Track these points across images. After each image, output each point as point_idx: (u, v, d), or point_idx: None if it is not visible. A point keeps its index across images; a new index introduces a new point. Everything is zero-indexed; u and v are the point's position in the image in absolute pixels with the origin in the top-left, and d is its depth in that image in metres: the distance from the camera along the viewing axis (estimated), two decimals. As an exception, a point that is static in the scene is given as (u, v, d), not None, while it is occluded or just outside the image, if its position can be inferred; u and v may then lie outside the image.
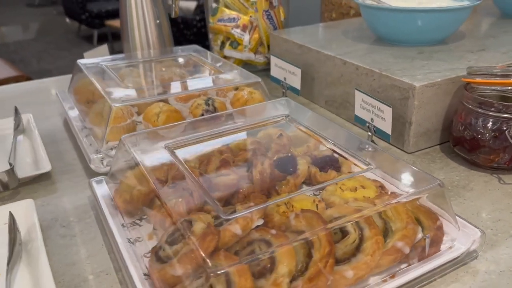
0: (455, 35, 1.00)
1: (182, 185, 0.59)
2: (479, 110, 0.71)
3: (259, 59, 1.19)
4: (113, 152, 0.80)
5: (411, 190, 0.53)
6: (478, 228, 0.55)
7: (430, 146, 0.81)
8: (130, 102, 0.82)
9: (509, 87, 0.71)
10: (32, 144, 0.86)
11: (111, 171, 0.69)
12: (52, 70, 4.99)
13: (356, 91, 0.82)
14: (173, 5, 1.09)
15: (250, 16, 1.17)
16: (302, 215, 0.53)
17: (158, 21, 1.12)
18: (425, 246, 0.52)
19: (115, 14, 5.84)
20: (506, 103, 0.69)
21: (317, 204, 0.59)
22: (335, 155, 0.72)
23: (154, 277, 0.49)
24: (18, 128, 0.89)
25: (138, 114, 0.92)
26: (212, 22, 1.22)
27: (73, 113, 0.94)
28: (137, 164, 0.65)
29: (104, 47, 1.17)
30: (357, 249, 0.50)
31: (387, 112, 0.75)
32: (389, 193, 0.60)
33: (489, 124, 0.70)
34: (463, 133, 0.73)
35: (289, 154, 0.69)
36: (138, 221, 0.63)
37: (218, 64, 1.02)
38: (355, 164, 0.67)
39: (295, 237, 0.49)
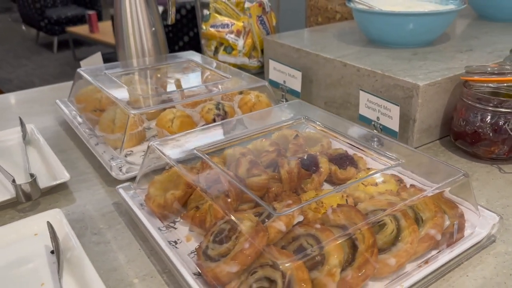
0: (441, 36, 1.07)
1: (218, 187, 0.61)
2: (479, 105, 0.77)
3: (253, 63, 1.22)
4: (131, 159, 0.81)
5: (441, 183, 0.57)
6: (496, 213, 0.60)
7: (432, 141, 0.87)
8: (147, 110, 0.83)
9: (504, 84, 0.77)
10: (42, 154, 0.85)
11: (139, 177, 0.70)
12: (13, 79, 4.82)
13: (361, 92, 0.87)
14: (170, 12, 1.11)
15: (243, 22, 1.20)
16: (339, 210, 0.56)
17: (153, 29, 1.13)
18: (453, 232, 0.57)
19: (76, 20, 5.72)
20: (502, 99, 0.75)
21: (346, 199, 0.62)
22: (350, 152, 0.76)
23: (208, 275, 0.51)
24: (26, 138, 0.88)
25: (148, 120, 0.93)
26: (205, 28, 1.24)
27: (77, 122, 0.94)
28: (169, 168, 0.67)
29: (98, 55, 1.17)
30: (396, 238, 0.54)
31: (395, 110, 0.80)
32: (408, 186, 0.65)
33: (488, 118, 0.76)
34: (465, 128, 0.79)
35: (311, 154, 0.72)
36: (172, 224, 0.64)
37: (219, 69, 1.04)
38: (374, 160, 0.71)
39: (339, 230, 0.53)
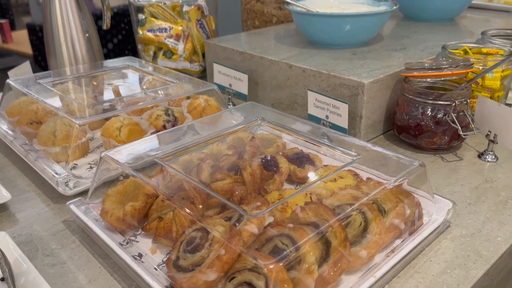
0: (375, 37, 1.12)
1: (181, 194, 0.59)
2: (419, 99, 0.81)
3: (195, 67, 1.20)
4: (76, 172, 0.76)
5: (399, 174, 0.59)
6: (449, 199, 0.64)
7: (377, 136, 0.91)
8: (93, 119, 0.79)
9: (441, 78, 0.82)
10: (-27, 174, 0.77)
11: (91, 191, 0.66)
12: None
13: (309, 92, 0.89)
14: (105, 17, 1.06)
15: (181, 26, 1.18)
16: (308, 208, 0.57)
17: (87, 35, 1.07)
18: (414, 221, 0.60)
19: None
20: (441, 92, 0.80)
21: (310, 197, 0.63)
22: (305, 151, 0.77)
23: (183, 287, 0.49)
24: (-48, 158, 0.79)
25: (91, 130, 0.89)
26: (141, 32, 1.20)
27: (10, 136, 0.86)
28: (123, 179, 0.63)
29: (27, 65, 1.09)
30: (365, 231, 0.55)
31: (343, 108, 0.82)
32: (364, 179, 0.67)
33: (429, 111, 0.81)
34: (408, 121, 0.83)
35: (269, 155, 0.72)
36: (133, 238, 0.61)
37: (162, 74, 1.01)
38: (331, 156, 0.73)
39: (310, 228, 0.53)
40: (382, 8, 1.05)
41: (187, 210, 0.54)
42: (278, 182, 0.68)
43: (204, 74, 1.22)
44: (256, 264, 0.47)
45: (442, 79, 0.82)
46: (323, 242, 0.53)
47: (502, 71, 0.87)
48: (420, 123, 0.82)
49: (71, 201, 0.66)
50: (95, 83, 1.00)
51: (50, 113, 0.86)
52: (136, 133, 0.81)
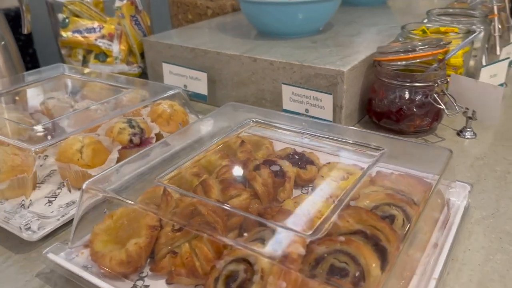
0: (325, 24, 1.09)
1: (197, 220, 0.49)
2: (397, 83, 0.79)
3: (133, 70, 1.07)
4: (34, 209, 0.61)
5: (434, 169, 0.55)
6: (466, 183, 0.62)
7: (353, 125, 0.87)
8: (51, 142, 0.64)
9: (416, 60, 0.81)
10: None
11: (73, 231, 0.53)
12: None
13: (284, 85, 0.82)
14: (24, 20, 0.88)
15: (113, 24, 1.04)
16: (346, 214, 0.51)
17: (3, 43, 0.89)
18: (445, 210, 0.57)
19: None
20: (417, 73, 0.79)
21: (333, 201, 0.57)
22: (298, 150, 0.71)
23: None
24: None
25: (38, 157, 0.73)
26: (65, 35, 1.03)
27: None
28: (112, 212, 0.52)
29: None
30: (409, 229, 0.51)
31: (327, 100, 0.78)
32: (373, 174, 0.63)
33: (411, 94, 0.79)
34: (388, 107, 0.81)
35: (269, 160, 0.64)
36: (141, 282, 0.50)
37: (105, 79, 0.88)
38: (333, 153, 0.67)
39: (361, 237, 0.47)
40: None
41: (225, 239, 0.45)
42: (288, 189, 0.61)
43: (143, 77, 1.09)
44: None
45: (418, 60, 0.81)
46: (378, 250, 0.48)
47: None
48: (401, 108, 0.80)
49: (48, 249, 0.52)
50: (25, 98, 0.83)
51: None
52: (100, 153, 0.68)
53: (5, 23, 0.90)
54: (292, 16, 0.96)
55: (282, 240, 0.46)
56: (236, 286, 0.43)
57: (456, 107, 0.78)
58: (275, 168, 0.62)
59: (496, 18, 1.14)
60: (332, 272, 0.44)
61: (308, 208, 0.55)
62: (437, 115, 0.81)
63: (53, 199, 0.66)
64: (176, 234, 0.51)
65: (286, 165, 0.64)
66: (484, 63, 1.08)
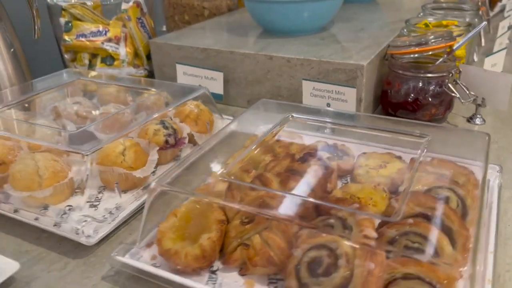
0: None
1: (275, 211, 0.51)
2: (412, 75, 0.83)
3: (140, 72, 1.07)
4: (78, 214, 0.61)
5: (481, 155, 0.59)
6: (496, 164, 0.66)
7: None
8: (99, 147, 0.63)
9: (428, 53, 0.85)
10: None
11: (141, 232, 0.53)
12: None
13: (304, 81, 0.85)
14: (35, 26, 0.86)
15: (119, 27, 1.03)
16: (409, 200, 0.54)
17: (12, 50, 0.87)
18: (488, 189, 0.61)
19: None
20: (430, 65, 0.84)
21: (383, 188, 0.60)
22: (329, 142, 0.74)
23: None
24: None
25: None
26: (69, 39, 1.01)
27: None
28: (175, 209, 0.53)
29: None
30: (464, 209, 0.55)
31: (350, 93, 0.81)
32: (405, 160, 0.67)
33: (424, 85, 0.83)
34: (405, 97, 0.85)
35: (309, 153, 0.67)
36: (214, 276, 0.51)
37: (125, 82, 0.87)
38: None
39: (425, 219, 0.50)
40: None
41: (310, 226, 0.47)
42: (334, 179, 0.63)
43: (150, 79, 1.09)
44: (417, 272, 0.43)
45: (431, 53, 0.85)
46: (444, 230, 0.51)
47: (466, 40, 0.94)
48: (417, 98, 0.84)
49: (115, 251, 0.52)
50: (56, 106, 0.81)
51: (12, 148, 0.67)
52: (141, 154, 0.68)
53: (13, 30, 0.87)
54: (298, 14, 0.98)
55: (357, 225, 0.48)
56: (322, 271, 0.45)
57: (469, 95, 0.83)
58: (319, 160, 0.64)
59: (483, 11, 1.21)
60: (409, 252, 0.47)
61: (360, 196, 0.58)
62: (449, 104, 0.86)
63: (97, 203, 0.65)
64: (246, 227, 0.52)
65: (327, 157, 0.66)
66: (475, 54, 1.15)
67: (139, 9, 1.04)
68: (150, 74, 1.09)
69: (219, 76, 0.92)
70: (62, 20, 1.02)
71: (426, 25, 0.98)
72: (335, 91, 0.82)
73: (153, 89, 0.85)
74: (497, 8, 1.49)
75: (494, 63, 0.94)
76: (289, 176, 0.57)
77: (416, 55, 0.85)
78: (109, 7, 1.09)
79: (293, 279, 0.47)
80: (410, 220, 0.49)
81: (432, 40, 0.84)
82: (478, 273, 0.45)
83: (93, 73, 0.94)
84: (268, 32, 1.05)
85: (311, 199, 0.52)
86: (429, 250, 0.46)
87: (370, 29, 1.04)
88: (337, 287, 0.44)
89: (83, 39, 1.01)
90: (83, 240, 0.56)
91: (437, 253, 0.47)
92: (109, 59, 1.02)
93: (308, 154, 0.66)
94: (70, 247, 0.58)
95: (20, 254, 0.58)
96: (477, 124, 0.86)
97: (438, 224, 0.49)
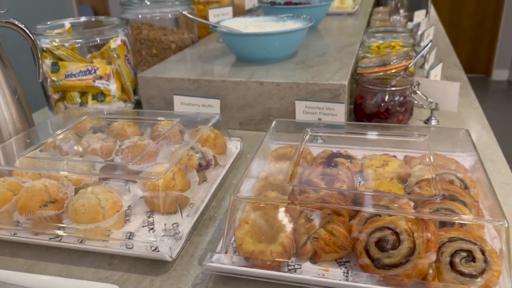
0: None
1: (326, 212, 0.63)
2: (380, 89, 1.01)
3: (128, 106, 1.12)
4: (141, 238, 0.67)
5: (464, 148, 0.76)
6: (469, 152, 0.85)
7: (348, 127, 1.07)
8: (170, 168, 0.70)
9: (392, 71, 1.03)
10: None
11: (224, 242, 0.61)
12: None
13: (297, 101, 0.98)
14: (39, 68, 0.89)
15: (109, 64, 1.08)
16: (424, 185, 0.69)
17: (16, 96, 0.89)
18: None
19: None
20: (394, 80, 1.02)
21: (397, 181, 0.75)
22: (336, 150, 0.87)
23: (410, 276, 0.55)
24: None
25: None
26: (58, 79, 1.04)
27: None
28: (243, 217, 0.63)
29: None
30: (467, 189, 0.71)
31: (340, 108, 0.95)
32: (402, 158, 0.83)
33: (392, 97, 1.01)
34: (378, 108, 1.02)
35: (330, 158, 0.80)
36: (292, 267, 0.61)
37: (133, 115, 0.93)
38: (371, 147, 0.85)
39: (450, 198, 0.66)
40: (303, 23, 1.21)
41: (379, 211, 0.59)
42: (355, 178, 0.77)
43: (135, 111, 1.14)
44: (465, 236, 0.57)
45: (394, 70, 1.03)
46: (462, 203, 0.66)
47: (411, 58, 1.14)
48: (387, 107, 1.02)
49: (207, 259, 0.60)
50: (95, 140, 0.85)
51: (60, 186, 0.71)
52: (185, 178, 0.76)
53: (16, 76, 0.89)
54: (272, 44, 1.12)
55: (401, 208, 0.62)
56: (390, 246, 0.58)
57: (427, 102, 1.02)
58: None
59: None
60: (444, 223, 0.62)
61: (381, 189, 0.72)
62: (412, 110, 1.05)
63: (152, 226, 0.72)
64: (312, 223, 0.63)
65: (342, 161, 0.80)
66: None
67: (125, 47, 1.10)
68: (137, 107, 1.15)
69: (216, 103, 1.01)
70: (48, 62, 1.04)
71: (378, 47, 1.18)
72: (326, 107, 0.96)
73: (164, 119, 0.92)
74: (409, 27, 1.77)
75: (435, 74, 1.16)
76: (331, 178, 0.69)
77: (381, 73, 1.03)
78: (81, 48, 1.13)
79: (365, 257, 0.59)
80: (438, 199, 0.64)
81: (394, 60, 1.02)
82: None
83: (98, 110, 0.98)
84: (242, 60, 1.17)
85: (368, 192, 0.65)
86: (459, 218, 0.61)
87: (331, 54, 1.21)
88: (406, 255, 0.57)
89: (73, 78, 1.04)
90: (167, 257, 0.63)
91: (463, 220, 0.62)
92: (100, 95, 1.06)
93: (331, 161, 0.79)
94: (147, 267, 0.64)
95: (102, 281, 0.63)
96: (434, 125, 1.06)
97: (457, 200, 0.65)
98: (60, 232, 0.67)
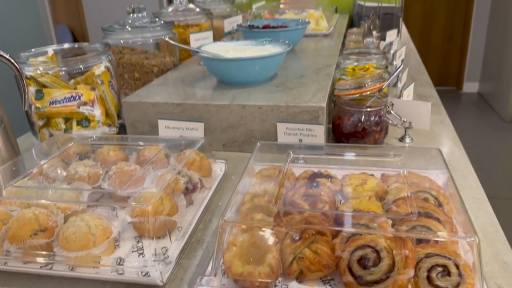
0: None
1: (309, 231, 0.66)
2: (357, 109, 1.06)
3: (113, 130, 1.13)
4: (131, 263, 0.69)
5: (442, 166, 0.81)
6: (441, 169, 0.90)
7: (327, 146, 1.11)
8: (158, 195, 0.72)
9: (367, 93, 1.08)
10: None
11: (213, 265, 0.64)
12: None
13: (279, 123, 1.02)
14: (25, 97, 0.91)
15: (93, 90, 1.10)
16: (401, 203, 0.73)
17: (3, 125, 0.90)
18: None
19: None
20: (369, 101, 1.07)
21: (375, 199, 0.79)
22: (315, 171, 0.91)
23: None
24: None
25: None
26: (43, 106, 1.05)
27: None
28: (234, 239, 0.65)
29: None
30: (441, 207, 0.75)
31: (319, 129, 0.99)
32: (379, 176, 0.87)
33: (368, 117, 1.06)
34: (355, 128, 1.07)
35: (311, 178, 0.83)
36: (279, 285, 0.64)
37: (117, 141, 0.95)
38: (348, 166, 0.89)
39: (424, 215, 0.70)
40: (281, 47, 1.25)
41: (360, 231, 0.63)
42: (336, 198, 0.81)
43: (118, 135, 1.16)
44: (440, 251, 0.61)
45: (369, 92, 1.08)
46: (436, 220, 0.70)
47: (385, 78, 1.20)
48: (364, 127, 1.06)
49: (198, 282, 0.62)
50: (62, 172, 0.86)
51: (49, 214, 0.73)
52: (172, 201, 0.78)
53: (2, 105, 0.90)
54: (253, 68, 1.16)
55: (380, 227, 0.66)
56: (371, 263, 0.62)
57: (401, 121, 1.07)
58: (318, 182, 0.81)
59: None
60: (420, 240, 0.66)
61: (361, 208, 0.76)
62: (387, 129, 1.10)
63: (141, 250, 0.73)
64: (297, 244, 0.66)
65: (323, 181, 0.84)
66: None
67: (109, 73, 1.12)
68: (121, 131, 1.16)
69: (200, 126, 1.04)
70: (33, 89, 1.06)
71: (353, 69, 1.23)
72: (306, 128, 1.00)
73: (149, 144, 0.95)
74: (381, 47, 1.84)
75: (408, 93, 1.21)
76: (315, 199, 0.72)
77: (357, 95, 1.08)
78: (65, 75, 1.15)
79: (348, 275, 0.62)
80: (414, 217, 0.68)
81: (369, 82, 1.07)
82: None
83: (83, 136, 1.00)
84: (224, 83, 1.21)
85: (349, 213, 0.68)
86: (434, 236, 0.65)
87: (309, 76, 1.26)
88: (386, 272, 0.60)
89: (57, 105, 1.06)
90: (158, 281, 0.65)
91: (437, 237, 0.66)
92: (85, 121, 1.08)
93: (313, 181, 0.82)
94: (138, 291, 0.66)
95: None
96: (408, 142, 1.11)
97: (431, 217, 0.69)
98: (51, 260, 0.68)
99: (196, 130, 1.05)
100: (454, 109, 4.55)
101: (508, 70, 4.11)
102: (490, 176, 3.20)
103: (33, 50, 1.11)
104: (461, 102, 4.77)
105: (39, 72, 1.07)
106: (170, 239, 0.73)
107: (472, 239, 0.59)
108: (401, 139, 1.13)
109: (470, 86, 4.97)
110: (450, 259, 0.61)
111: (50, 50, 1.14)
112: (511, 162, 3.46)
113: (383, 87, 1.09)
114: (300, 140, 1.02)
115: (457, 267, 0.60)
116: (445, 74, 5.02)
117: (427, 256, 0.62)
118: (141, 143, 0.96)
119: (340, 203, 0.82)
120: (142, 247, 0.74)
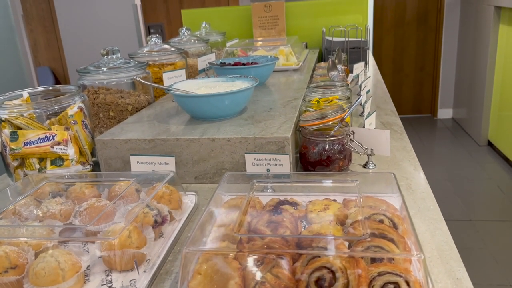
0: (237, 104, 1.36)
1: (270, 257, 0.69)
2: (322, 139, 1.11)
3: (86, 168, 1.17)
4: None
5: (395, 189, 0.86)
6: (398, 192, 0.94)
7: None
8: (118, 235, 0.75)
9: (330, 123, 1.14)
10: None
11: (181, 292, 0.66)
12: None
13: (247, 155, 1.06)
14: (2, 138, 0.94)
15: (66, 130, 1.13)
16: (357, 226, 0.77)
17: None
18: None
19: None
20: (332, 130, 1.13)
21: (335, 223, 0.83)
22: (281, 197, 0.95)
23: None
24: None
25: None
26: (17, 147, 1.08)
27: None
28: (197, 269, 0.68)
29: None
30: (395, 228, 0.79)
31: (285, 159, 1.04)
32: (341, 201, 0.91)
33: (332, 146, 1.12)
34: (320, 156, 1.12)
35: (276, 206, 0.87)
36: (244, 311, 0.67)
37: (91, 178, 0.98)
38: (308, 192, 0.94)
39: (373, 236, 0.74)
40: (249, 83, 1.31)
41: (320, 253, 0.66)
42: (299, 223, 0.84)
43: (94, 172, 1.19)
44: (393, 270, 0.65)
45: (331, 123, 1.14)
46: (390, 240, 0.74)
47: (348, 109, 1.26)
48: (328, 155, 1.11)
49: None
50: (39, 211, 0.88)
51: (20, 252, 0.75)
52: (141, 235, 0.81)
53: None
54: (222, 103, 1.21)
55: (337, 248, 0.70)
56: (327, 284, 0.65)
57: (363, 149, 1.13)
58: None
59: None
60: (374, 259, 0.69)
61: (322, 232, 0.80)
62: (350, 157, 1.15)
63: (110, 284, 0.76)
64: (259, 269, 0.70)
65: (288, 207, 0.88)
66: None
67: (82, 113, 1.16)
68: (95, 168, 1.19)
69: (171, 160, 1.08)
70: (7, 131, 1.09)
71: (318, 101, 1.29)
72: (272, 158, 1.05)
73: (120, 180, 0.98)
74: (349, 79, 1.92)
75: (370, 122, 1.28)
76: (277, 225, 0.76)
77: (320, 125, 1.14)
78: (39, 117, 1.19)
79: (307, 295, 0.65)
80: (368, 238, 0.73)
81: (331, 113, 1.13)
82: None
83: (57, 175, 1.02)
84: (196, 118, 1.26)
85: (306, 236, 0.72)
86: (387, 254, 0.69)
87: (277, 109, 1.32)
88: (339, 293, 0.64)
89: (31, 145, 1.09)
90: (125, 312, 0.67)
91: (387, 255, 0.70)
92: (59, 160, 1.11)
93: (277, 208, 0.86)
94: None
95: None
96: (371, 168, 1.16)
97: (386, 237, 0.73)
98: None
99: (167, 164, 1.09)
100: (431, 134, 4.67)
101: (479, 96, 4.27)
102: (468, 198, 3.28)
103: (6, 94, 1.15)
104: (437, 128, 4.90)
105: (14, 115, 1.11)
106: (138, 271, 0.75)
107: (419, 255, 0.64)
108: (365, 165, 1.18)
109: (445, 113, 5.13)
110: (401, 276, 0.65)
111: (25, 93, 1.18)
112: (488, 184, 3.55)
113: (345, 117, 1.16)
114: (268, 170, 1.07)
115: (408, 283, 0.64)
116: (419, 102, 5.18)
117: (380, 274, 0.66)
118: (113, 179, 0.99)
119: (304, 228, 0.85)
120: (111, 280, 0.77)
